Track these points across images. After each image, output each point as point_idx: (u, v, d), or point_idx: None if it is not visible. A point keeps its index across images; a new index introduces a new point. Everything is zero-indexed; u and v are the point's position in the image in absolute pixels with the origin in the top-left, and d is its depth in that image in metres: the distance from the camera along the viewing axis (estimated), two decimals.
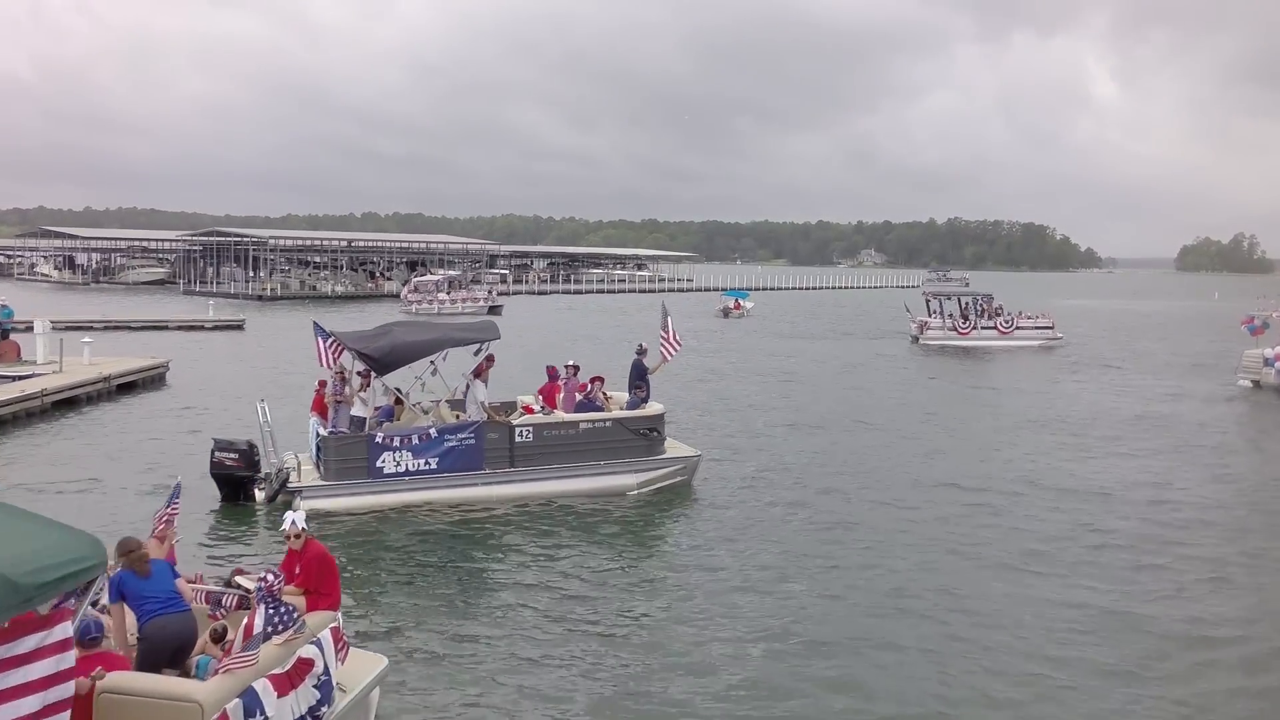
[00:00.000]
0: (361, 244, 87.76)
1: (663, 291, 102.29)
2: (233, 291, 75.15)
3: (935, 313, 46.70)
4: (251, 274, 77.51)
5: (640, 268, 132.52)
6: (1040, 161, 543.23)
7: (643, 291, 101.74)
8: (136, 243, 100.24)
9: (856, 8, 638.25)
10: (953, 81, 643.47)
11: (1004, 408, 26.04)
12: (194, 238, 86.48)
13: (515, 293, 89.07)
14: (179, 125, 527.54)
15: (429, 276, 67.99)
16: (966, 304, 46.88)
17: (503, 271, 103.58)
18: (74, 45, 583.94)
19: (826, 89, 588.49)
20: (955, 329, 45.20)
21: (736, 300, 67.27)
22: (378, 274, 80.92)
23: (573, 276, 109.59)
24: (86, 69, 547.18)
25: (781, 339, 48.50)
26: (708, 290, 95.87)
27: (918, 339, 45.88)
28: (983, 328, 45.15)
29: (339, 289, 76.61)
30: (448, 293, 62.47)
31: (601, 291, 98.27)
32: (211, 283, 78.72)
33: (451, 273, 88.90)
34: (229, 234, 79.55)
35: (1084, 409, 25.95)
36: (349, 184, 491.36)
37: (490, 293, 64.14)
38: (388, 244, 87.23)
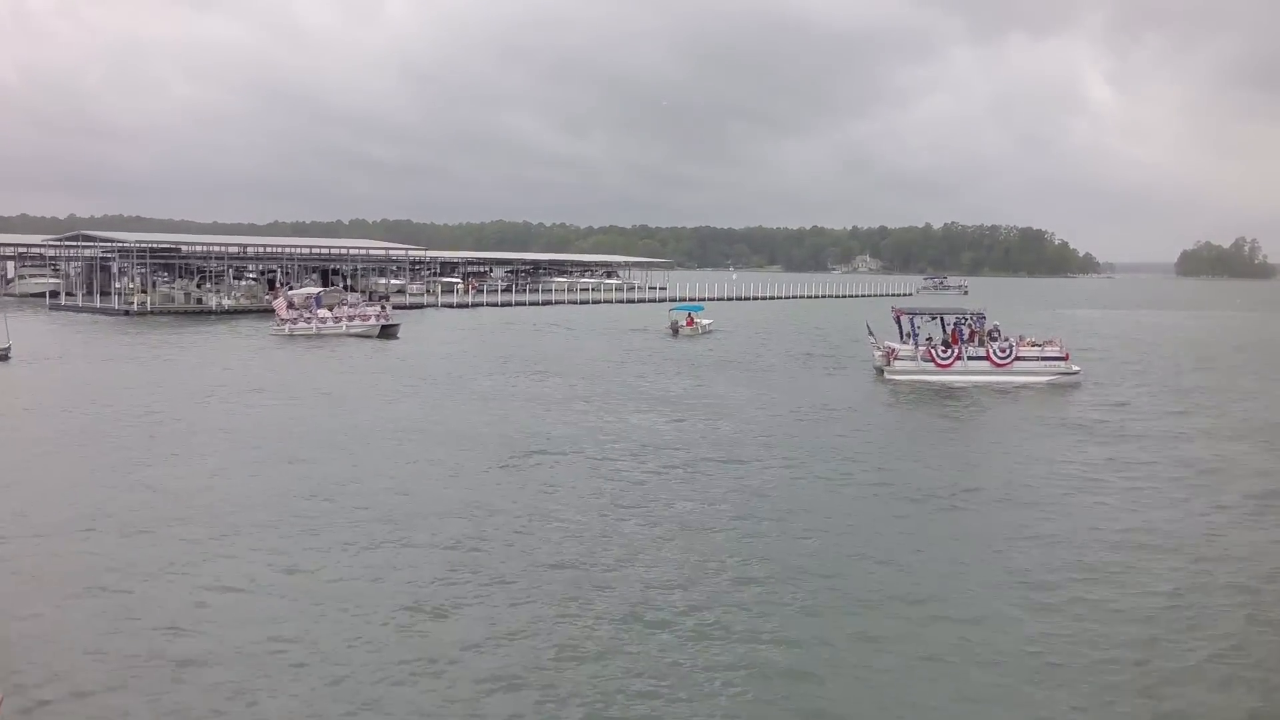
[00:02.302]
0: (260, 250, 76.64)
1: (633, 302, 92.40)
2: (99, 306, 64.54)
3: (908, 335, 36.04)
4: (122, 283, 66.98)
5: (610, 275, 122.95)
6: (1035, 165, 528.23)
7: (604, 302, 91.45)
8: (25, 249, 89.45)
9: (848, 12, 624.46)
10: (947, 85, 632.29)
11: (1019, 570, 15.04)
12: (60, 242, 75.74)
13: (447, 304, 78.57)
14: (168, 132, 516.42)
15: (303, 289, 57.00)
16: (953, 324, 36.04)
17: (455, 280, 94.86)
18: (59, 51, 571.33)
19: (820, 94, 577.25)
20: (933, 358, 34.41)
21: (689, 315, 56.70)
22: (278, 284, 70.09)
23: (531, 286, 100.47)
24: (72, 75, 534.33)
25: (718, 369, 37.79)
26: (673, 301, 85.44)
27: (883, 371, 35.26)
28: (970, 357, 34.42)
29: (228, 302, 65.84)
30: (331, 310, 51.72)
31: (562, 302, 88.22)
32: (99, 294, 67.77)
33: (393, 282, 78.81)
34: (97, 238, 68.80)
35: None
36: (342, 191, 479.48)
37: (384, 308, 53.17)
38: (293, 250, 76.04)
